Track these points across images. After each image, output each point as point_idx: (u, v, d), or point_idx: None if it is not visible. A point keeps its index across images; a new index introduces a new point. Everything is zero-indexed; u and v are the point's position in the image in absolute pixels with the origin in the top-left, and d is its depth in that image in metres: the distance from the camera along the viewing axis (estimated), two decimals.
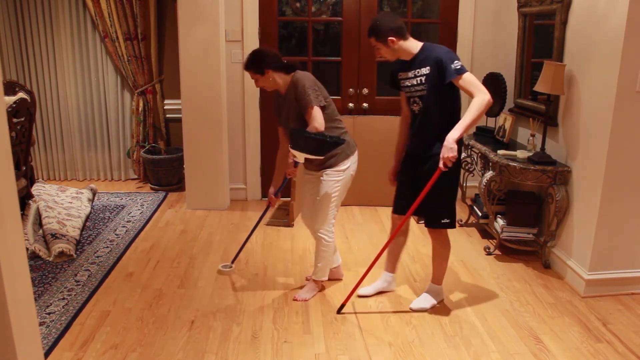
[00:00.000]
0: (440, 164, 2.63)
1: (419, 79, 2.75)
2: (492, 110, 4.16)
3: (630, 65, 2.87)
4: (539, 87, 3.35)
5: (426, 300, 3.03)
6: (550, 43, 3.54)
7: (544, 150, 3.48)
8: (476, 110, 2.57)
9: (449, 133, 2.60)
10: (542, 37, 3.87)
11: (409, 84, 2.81)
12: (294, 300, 3.10)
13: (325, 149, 2.83)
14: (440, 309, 3.03)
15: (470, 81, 2.61)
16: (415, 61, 2.76)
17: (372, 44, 2.79)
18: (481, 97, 2.56)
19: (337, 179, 2.96)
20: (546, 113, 3.49)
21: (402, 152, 3.03)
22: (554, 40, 3.48)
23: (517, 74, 4.14)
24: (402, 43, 2.74)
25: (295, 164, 2.95)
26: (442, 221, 2.86)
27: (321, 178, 2.98)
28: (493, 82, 4.14)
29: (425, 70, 2.71)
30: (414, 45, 2.76)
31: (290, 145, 2.84)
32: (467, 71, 2.63)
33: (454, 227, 2.90)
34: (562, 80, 3.26)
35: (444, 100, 2.73)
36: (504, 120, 4.02)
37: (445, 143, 2.60)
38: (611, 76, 2.93)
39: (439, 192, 2.79)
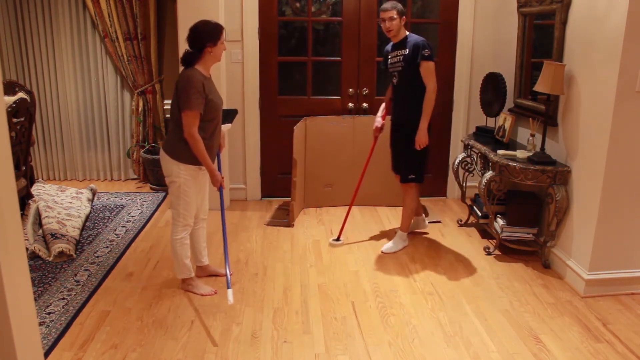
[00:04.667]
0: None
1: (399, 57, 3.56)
2: (492, 110, 4.16)
3: (630, 65, 2.87)
4: (538, 87, 3.35)
5: (395, 244, 3.77)
6: (550, 43, 3.54)
7: (544, 150, 3.48)
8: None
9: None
10: (542, 37, 3.87)
11: (391, 62, 3.64)
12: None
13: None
14: (441, 308, 3.03)
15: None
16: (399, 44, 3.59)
17: (389, 15, 3.44)
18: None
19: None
20: (546, 113, 3.49)
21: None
22: (554, 40, 3.48)
23: (517, 73, 4.14)
24: (402, 25, 3.55)
25: None
26: (409, 177, 3.65)
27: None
28: (493, 82, 4.14)
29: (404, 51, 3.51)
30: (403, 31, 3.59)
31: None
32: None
33: (420, 181, 3.70)
34: (562, 80, 3.26)
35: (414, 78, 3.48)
36: (504, 120, 4.02)
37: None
38: (611, 76, 2.93)
39: (408, 154, 3.60)
